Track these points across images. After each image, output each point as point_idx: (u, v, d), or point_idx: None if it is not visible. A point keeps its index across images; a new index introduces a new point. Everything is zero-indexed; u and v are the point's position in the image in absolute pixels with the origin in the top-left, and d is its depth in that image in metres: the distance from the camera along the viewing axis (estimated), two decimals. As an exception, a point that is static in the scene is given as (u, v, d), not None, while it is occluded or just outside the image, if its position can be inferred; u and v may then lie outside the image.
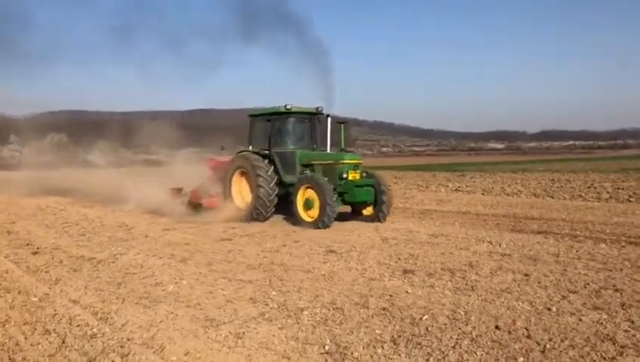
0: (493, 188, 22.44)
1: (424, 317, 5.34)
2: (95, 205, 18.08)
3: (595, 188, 20.54)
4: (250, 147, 14.06)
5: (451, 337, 4.79)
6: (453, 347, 4.56)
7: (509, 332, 4.87)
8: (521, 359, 4.28)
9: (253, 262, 8.24)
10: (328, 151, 13.35)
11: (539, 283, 6.65)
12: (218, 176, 14.51)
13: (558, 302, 5.81)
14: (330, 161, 12.73)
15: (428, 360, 4.32)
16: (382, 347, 4.60)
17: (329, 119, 13.28)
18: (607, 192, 18.61)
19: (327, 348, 4.62)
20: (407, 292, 6.35)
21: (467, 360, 4.30)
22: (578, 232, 10.66)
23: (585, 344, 4.55)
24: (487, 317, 5.31)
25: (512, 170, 34.48)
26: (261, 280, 7.09)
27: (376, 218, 12.56)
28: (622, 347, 4.46)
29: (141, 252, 9.28)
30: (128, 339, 4.91)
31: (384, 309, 5.66)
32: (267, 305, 5.94)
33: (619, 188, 19.84)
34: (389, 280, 7.00)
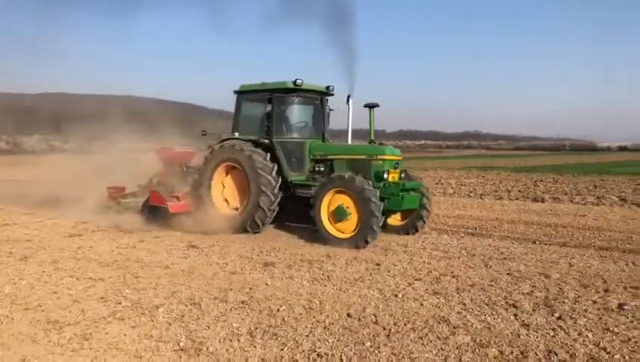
0: (353, 183, 23.48)
1: (281, 308, 5.48)
2: None
3: (442, 184, 22.57)
4: (237, 134, 10.72)
5: (306, 326, 4.97)
6: (307, 336, 4.74)
7: (359, 319, 5.20)
8: (368, 343, 4.58)
9: (107, 259, 7.76)
10: (349, 142, 10.64)
11: (388, 271, 7.17)
12: (173, 170, 11.76)
13: (404, 288, 6.32)
14: (361, 156, 9.85)
15: (282, 349, 4.44)
16: (238, 340, 4.63)
17: (351, 101, 10.29)
18: (452, 188, 20.56)
19: (181, 344, 4.52)
20: (266, 284, 6.45)
21: (320, 347, 4.49)
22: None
23: (424, 326, 5.01)
24: (340, 306, 5.61)
25: (372, 166, 36.45)
26: (114, 277, 6.71)
27: (407, 230, 10.19)
28: (454, 327, 4.99)
29: (-28, 250, 8.25)
30: (-49, 349, 4.36)
31: (243, 302, 5.69)
32: (120, 303, 5.64)
33: (462, 185, 22.03)
34: (249, 273, 7.04)
